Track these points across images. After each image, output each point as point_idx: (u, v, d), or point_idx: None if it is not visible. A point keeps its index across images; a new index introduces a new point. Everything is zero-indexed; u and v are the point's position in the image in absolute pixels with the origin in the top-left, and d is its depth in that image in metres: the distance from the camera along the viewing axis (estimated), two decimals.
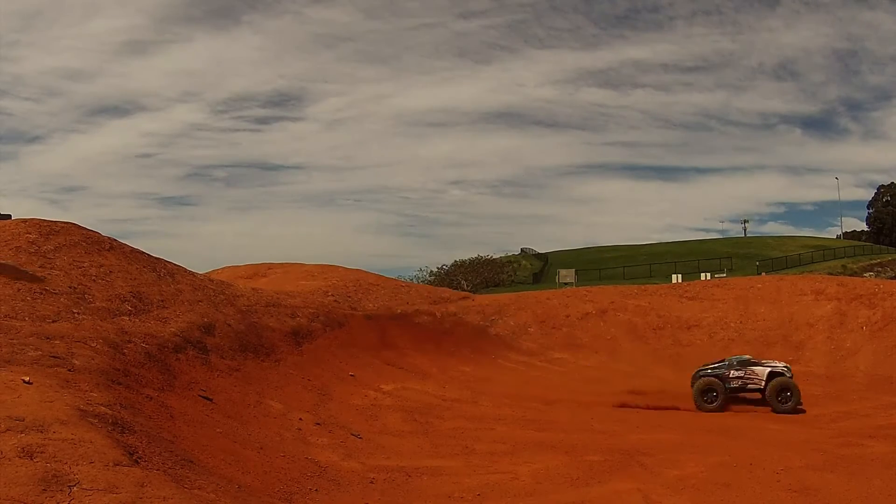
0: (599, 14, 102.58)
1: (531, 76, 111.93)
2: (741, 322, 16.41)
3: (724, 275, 35.40)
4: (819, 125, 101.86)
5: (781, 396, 10.32)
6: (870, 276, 39.97)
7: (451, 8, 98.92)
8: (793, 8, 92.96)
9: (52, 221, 9.97)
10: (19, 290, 7.30)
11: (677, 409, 10.54)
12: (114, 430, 4.49)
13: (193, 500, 3.74)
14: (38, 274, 8.06)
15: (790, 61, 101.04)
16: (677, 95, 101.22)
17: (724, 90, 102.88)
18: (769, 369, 10.78)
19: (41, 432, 3.93)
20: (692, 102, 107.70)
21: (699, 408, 10.54)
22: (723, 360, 11.45)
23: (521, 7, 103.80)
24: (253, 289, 12.89)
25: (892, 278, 36.81)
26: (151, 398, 6.21)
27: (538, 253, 66.83)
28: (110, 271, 9.21)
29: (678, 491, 6.08)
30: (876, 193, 68.02)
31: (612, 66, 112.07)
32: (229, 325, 9.69)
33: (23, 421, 4.01)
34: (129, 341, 7.20)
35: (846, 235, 67.45)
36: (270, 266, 20.01)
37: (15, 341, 5.88)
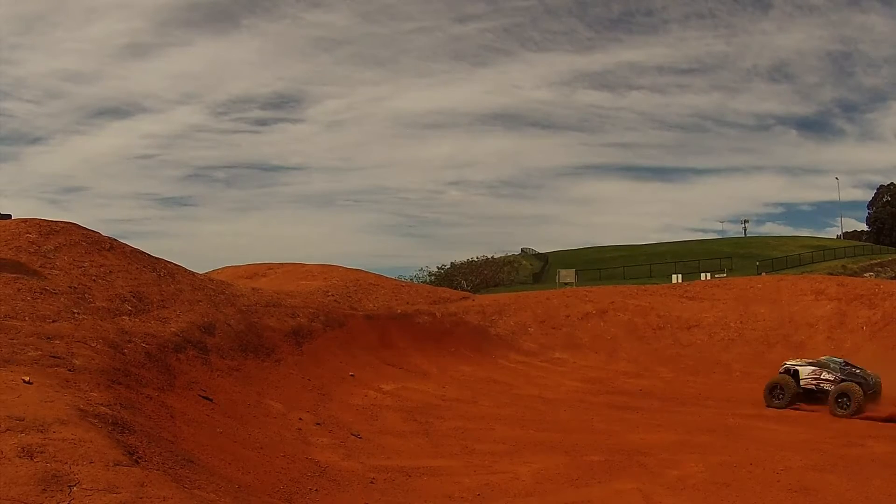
0: (594, 17, 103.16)
1: (527, 78, 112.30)
2: (741, 322, 16.41)
3: (724, 275, 35.40)
4: (815, 126, 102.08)
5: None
6: (870, 276, 39.96)
7: (448, 12, 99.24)
8: (786, 11, 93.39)
9: (52, 221, 9.96)
10: (19, 289, 7.29)
11: (681, 408, 10.54)
12: (114, 430, 4.49)
13: (193, 500, 3.74)
14: (39, 274, 8.06)
15: (784, 63, 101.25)
16: (673, 97, 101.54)
17: (719, 92, 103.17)
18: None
19: (41, 432, 3.93)
20: (688, 104, 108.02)
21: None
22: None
23: (516, 11, 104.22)
24: (253, 289, 12.89)
25: (892, 278, 36.81)
26: (151, 398, 6.21)
27: (538, 253, 66.79)
28: (110, 271, 9.21)
29: (678, 491, 6.09)
30: (876, 193, 68.05)
31: (607, 69, 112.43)
32: (229, 325, 9.69)
33: (23, 421, 4.01)
34: (129, 341, 7.20)
35: (845, 235, 67.47)
36: (270, 266, 20.00)
37: (15, 341, 5.88)
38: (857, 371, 10.64)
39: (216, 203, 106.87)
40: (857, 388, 10.13)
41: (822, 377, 10.65)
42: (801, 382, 10.79)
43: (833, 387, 10.38)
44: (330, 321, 12.28)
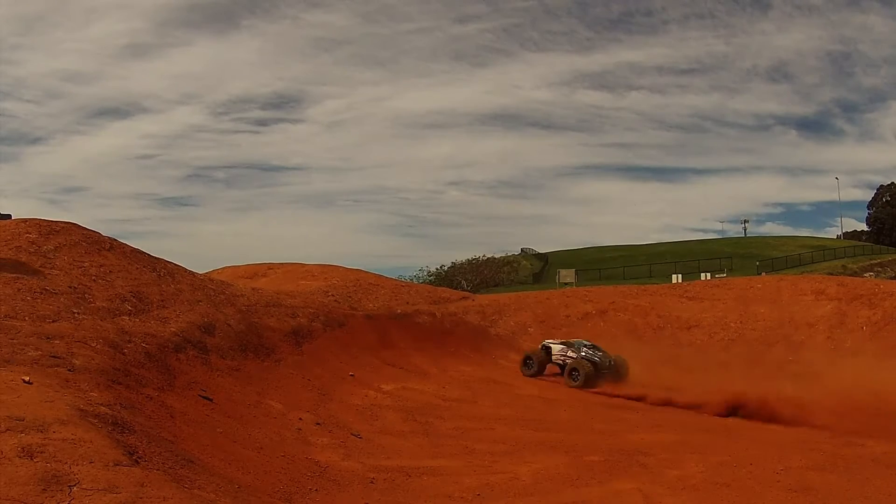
0: (593, 17, 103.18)
1: (527, 78, 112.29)
2: (741, 322, 16.42)
3: (724, 275, 35.39)
4: (814, 126, 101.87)
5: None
6: (870, 276, 39.96)
7: (448, 12, 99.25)
8: (785, 11, 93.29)
9: (52, 221, 9.97)
10: (19, 289, 7.30)
11: (675, 406, 10.56)
12: (114, 430, 4.49)
13: (193, 500, 3.74)
14: (39, 274, 8.06)
15: (784, 63, 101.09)
16: (672, 97, 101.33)
17: (718, 92, 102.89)
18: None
19: (41, 432, 3.93)
20: (687, 104, 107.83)
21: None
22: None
23: (516, 11, 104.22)
24: (253, 289, 12.90)
25: (892, 278, 36.81)
26: (151, 398, 6.21)
27: (538, 253, 66.78)
28: (110, 271, 9.21)
29: (678, 491, 6.09)
30: (876, 193, 67.98)
31: (607, 69, 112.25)
32: (229, 325, 9.69)
33: (23, 421, 4.02)
34: (129, 341, 7.20)
35: (846, 235, 67.43)
36: (270, 266, 20.03)
37: (15, 341, 5.88)
38: (599, 353, 12.71)
39: (216, 203, 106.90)
40: (588, 365, 12.30)
41: (567, 354, 12.88)
42: (553, 357, 13.10)
43: (571, 362, 12.56)
44: (330, 321, 12.28)
